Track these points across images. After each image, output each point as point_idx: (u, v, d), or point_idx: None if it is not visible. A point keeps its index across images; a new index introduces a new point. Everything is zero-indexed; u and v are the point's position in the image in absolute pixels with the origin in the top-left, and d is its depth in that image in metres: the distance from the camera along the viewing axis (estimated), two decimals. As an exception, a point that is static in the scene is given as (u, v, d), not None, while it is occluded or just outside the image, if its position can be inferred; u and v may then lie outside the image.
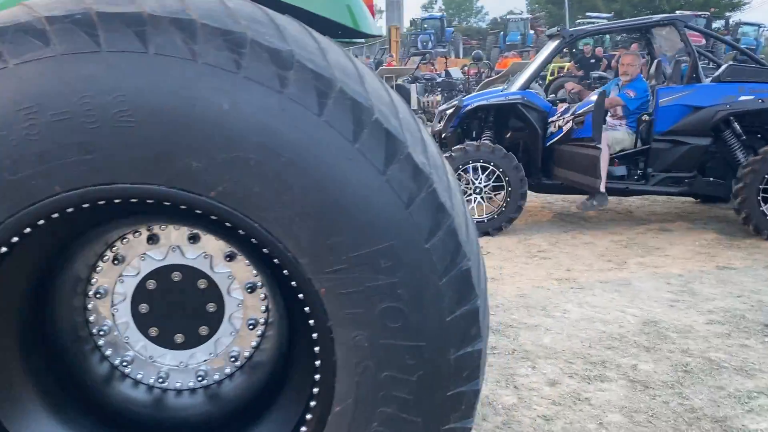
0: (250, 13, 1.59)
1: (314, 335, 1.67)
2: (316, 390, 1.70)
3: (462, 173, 6.13)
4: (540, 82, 18.53)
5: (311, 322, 1.64)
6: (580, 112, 5.62)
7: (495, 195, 6.19)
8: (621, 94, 6.13)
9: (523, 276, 5.02)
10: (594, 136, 5.40)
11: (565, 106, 6.03)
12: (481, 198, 6.16)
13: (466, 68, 18.29)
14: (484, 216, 6.17)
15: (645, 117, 6.00)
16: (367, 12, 2.06)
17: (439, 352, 1.66)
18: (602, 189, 5.60)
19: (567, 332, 3.93)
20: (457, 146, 6.13)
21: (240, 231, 1.55)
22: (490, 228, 6.12)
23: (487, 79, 14.40)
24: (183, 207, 1.53)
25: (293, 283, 1.61)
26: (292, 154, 1.51)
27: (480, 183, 6.11)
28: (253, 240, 1.59)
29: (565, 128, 5.77)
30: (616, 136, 5.96)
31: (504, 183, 6.01)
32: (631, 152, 6.01)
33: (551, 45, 6.39)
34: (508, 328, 4.02)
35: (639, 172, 6.10)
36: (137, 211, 1.65)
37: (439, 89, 16.89)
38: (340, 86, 1.54)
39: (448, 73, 18.70)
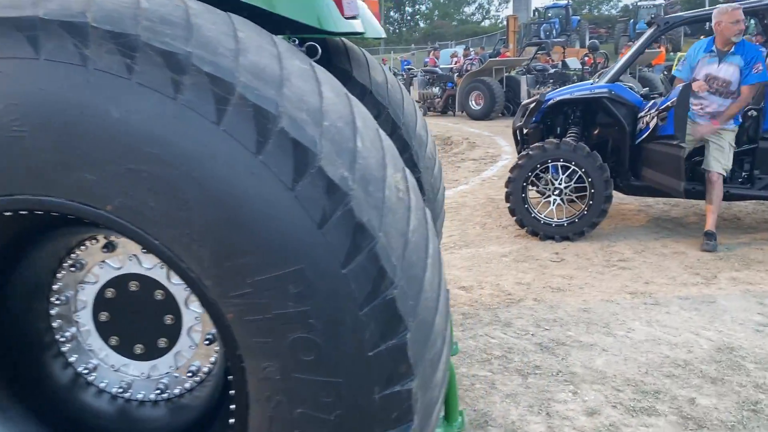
0: (161, 13, 1.47)
1: (228, 363, 1.53)
2: (232, 421, 1.57)
3: (541, 173, 5.75)
4: (665, 73, 17.27)
5: (224, 349, 1.51)
6: (663, 106, 5.08)
7: (578, 197, 5.76)
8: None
9: (593, 287, 4.61)
10: (676, 133, 4.85)
11: (654, 100, 5.47)
12: (561, 200, 5.75)
13: (586, 58, 17.35)
14: (564, 219, 5.76)
15: (752, 112, 5.32)
16: (333, 10, 1.88)
17: (361, 391, 1.48)
18: (708, 227, 5.19)
19: (625, 354, 3.54)
20: (536, 144, 5.75)
21: (143, 249, 1.45)
22: (570, 232, 5.70)
23: (602, 70, 13.57)
24: (86, 221, 1.45)
25: (202, 306, 1.48)
26: (187, 167, 1.38)
27: (561, 183, 5.70)
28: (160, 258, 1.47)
29: (651, 125, 5.24)
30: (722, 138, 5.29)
31: (587, 184, 5.57)
32: (735, 151, 5.36)
33: (647, 33, 5.83)
34: (559, 346, 3.68)
35: (744, 174, 5.44)
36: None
37: (551, 81, 16.17)
38: (241, 91, 1.38)
39: (564, 64, 17.88)
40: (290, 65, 1.55)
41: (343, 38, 3.08)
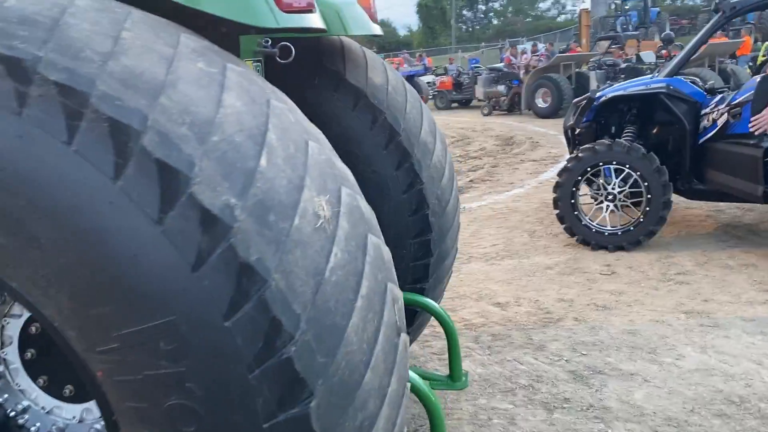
0: (26, 12, 1.23)
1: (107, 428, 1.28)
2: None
3: (593, 177, 5.28)
4: (751, 64, 16.02)
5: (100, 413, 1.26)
6: (736, 101, 4.53)
7: (633, 202, 5.26)
8: None
9: (643, 305, 4.15)
10: (754, 129, 4.31)
11: (722, 95, 4.91)
12: (615, 206, 5.27)
13: (663, 51, 16.39)
14: (618, 227, 5.27)
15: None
16: (271, 7, 1.61)
17: (256, 471, 1.19)
18: None
19: (669, 387, 3.10)
20: (586, 145, 5.29)
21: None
22: (624, 242, 5.21)
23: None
24: None
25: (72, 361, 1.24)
26: (33, 196, 1.13)
27: (614, 188, 5.22)
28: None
29: (720, 122, 4.70)
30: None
31: (642, 189, 5.07)
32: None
33: (712, 21, 5.25)
34: (595, 374, 3.27)
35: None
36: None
37: (622, 76, 15.34)
38: (96, 103, 1.13)
39: (639, 58, 16.97)
40: (184, 69, 1.28)
41: (341, 37, 2.80)
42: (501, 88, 18.13)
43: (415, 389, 2.06)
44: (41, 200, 1.13)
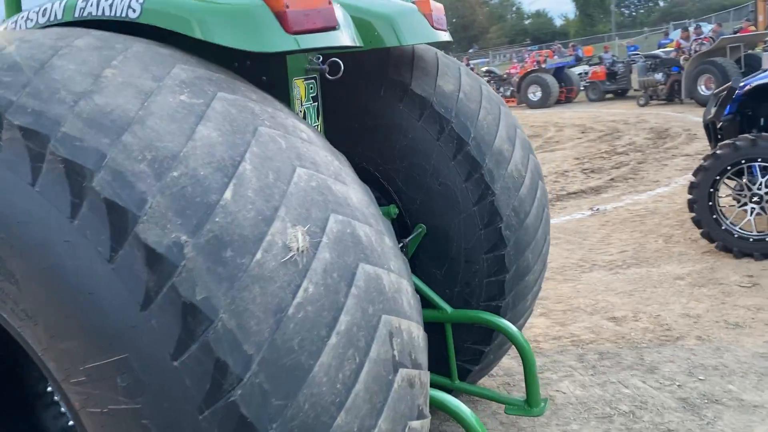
0: (18, 57, 1.31)
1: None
2: None
3: (734, 176, 4.72)
4: None
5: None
6: None
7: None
8: None
9: (785, 324, 3.63)
10: None
11: None
12: (762, 208, 4.67)
13: None
14: (765, 233, 4.66)
15: None
16: (276, 32, 1.58)
17: None
18: None
19: (799, 425, 2.67)
20: (726, 141, 4.74)
21: None
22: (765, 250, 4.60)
23: None
24: None
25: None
26: (7, 234, 1.20)
27: (760, 188, 4.63)
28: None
29: None
30: None
31: (794, 189, 4.44)
32: None
33: None
34: (710, 404, 2.91)
35: None
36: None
37: (802, 56, 13.61)
38: (55, 145, 1.16)
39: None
40: (161, 102, 1.29)
41: (415, 45, 2.71)
42: (658, 76, 16.86)
43: (456, 415, 1.94)
44: (14, 238, 1.19)
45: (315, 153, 1.50)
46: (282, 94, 2.19)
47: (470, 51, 48.67)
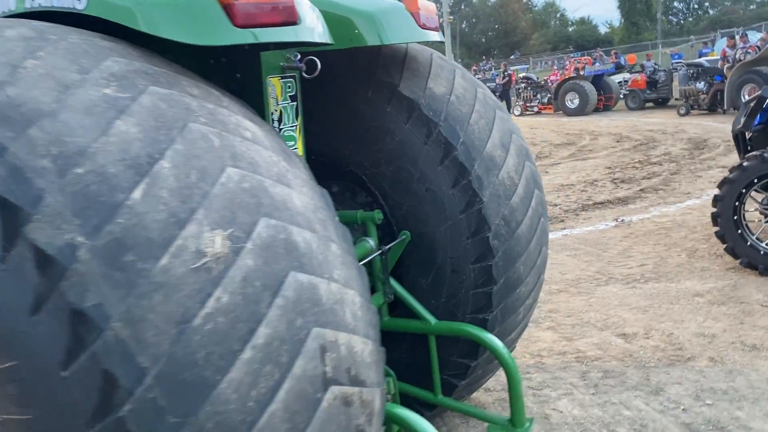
0: None
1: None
2: None
3: (760, 189, 4.49)
4: None
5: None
6: None
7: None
8: None
9: (806, 348, 3.40)
10: None
11: None
12: (790, 225, 4.43)
13: None
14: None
15: None
16: (222, 24, 1.50)
17: None
18: None
19: (808, 459, 2.48)
20: (753, 153, 4.51)
21: None
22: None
23: None
24: None
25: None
26: None
27: (789, 204, 4.40)
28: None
29: None
30: None
31: (826, 205, 4.20)
32: None
33: None
34: (715, 431, 2.73)
35: None
36: None
37: None
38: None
39: None
40: (80, 96, 1.22)
41: (410, 45, 2.62)
42: (700, 85, 16.39)
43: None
44: None
45: (256, 153, 1.42)
46: (255, 92, 2.12)
47: (512, 57, 48.15)
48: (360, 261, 2.39)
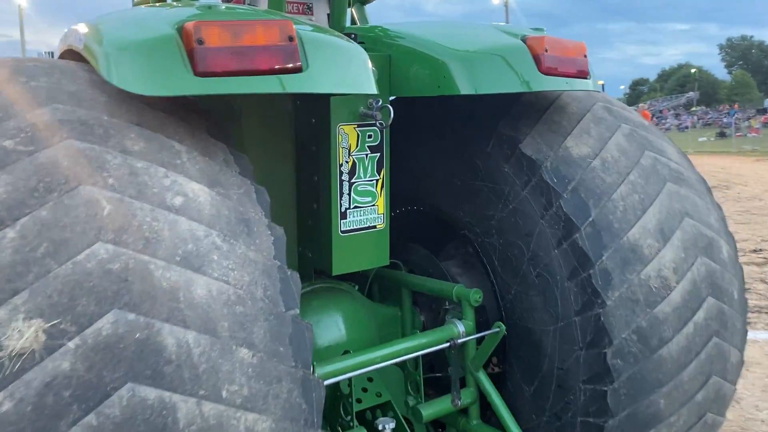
0: None
1: None
2: None
3: None
4: None
5: None
6: None
7: None
8: None
9: None
10: None
11: None
12: None
13: None
14: None
15: None
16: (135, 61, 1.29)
17: None
18: None
19: None
20: None
21: None
22: None
23: None
24: None
25: None
26: None
27: None
28: None
29: None
30: None
31: None
32: None
33: None
34: None
35: None
36: None
37: None
38: None
39: None
40: None
41: (561, 92, 2.11)
42: None
43: None
44: None
45: (169, 225, 1.19)
46: (324, 141, 1.88)
47: None
48: (441, 344, 1.99)
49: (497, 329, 2.00)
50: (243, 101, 1.91)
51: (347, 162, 1.88)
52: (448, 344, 1.96)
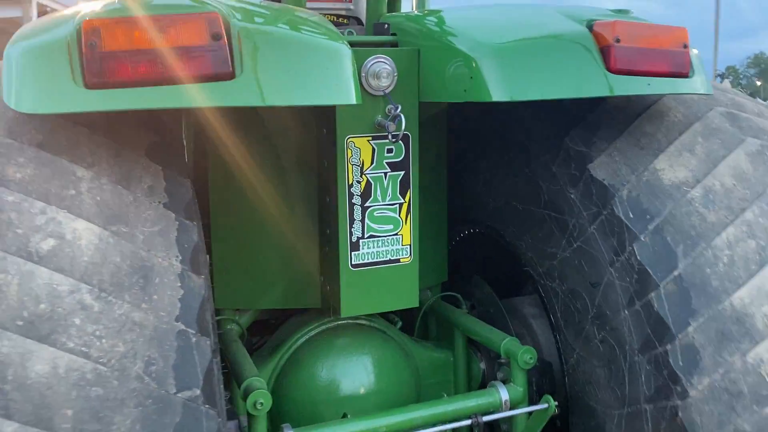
0: None
1: None
2: None
3: None
4: None
5: None
6: None
7: None
8: None
9: None
10: None
11: None
12: None
13: None
14: None
15: None
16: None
17: None
18: None
19: None
20: None
21: None
22: None
23: None
24: None
25: None
26: None
27: None
28: None
29: None
30: None
31: None
32: None
33: None
34: None
35: None
36: None
37: None
38: None
39: None
40: None
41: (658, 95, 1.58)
42: None
43: None
44: None
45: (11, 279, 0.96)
46: (331, 156, 1.55)
47: None
48: (468, 416, 1.57)
49: (545, 404, 1.54)
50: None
51: (359, 182, 1.53)
52: (469, 421, 1.53)
